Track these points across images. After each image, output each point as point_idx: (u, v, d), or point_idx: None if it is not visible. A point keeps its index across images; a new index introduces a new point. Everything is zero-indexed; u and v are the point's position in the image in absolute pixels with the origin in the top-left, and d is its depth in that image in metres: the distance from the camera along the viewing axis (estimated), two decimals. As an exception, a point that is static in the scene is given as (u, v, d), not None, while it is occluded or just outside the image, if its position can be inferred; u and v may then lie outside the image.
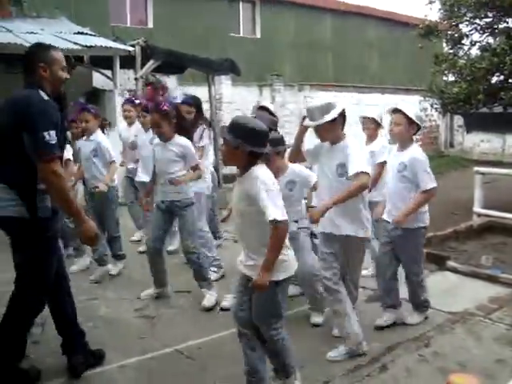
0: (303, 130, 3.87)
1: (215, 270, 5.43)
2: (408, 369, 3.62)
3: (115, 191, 5.56)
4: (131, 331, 4.27)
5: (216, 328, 4.27)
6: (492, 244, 7.04)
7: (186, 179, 4.69)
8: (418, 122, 4.15)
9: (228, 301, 4.60)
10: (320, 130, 3.73)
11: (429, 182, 4.05)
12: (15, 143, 3.02)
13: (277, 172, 3.86)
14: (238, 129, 2.91)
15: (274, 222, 2.81)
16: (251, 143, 2.88)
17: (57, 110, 3.12)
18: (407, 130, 4.13)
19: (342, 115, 3.70)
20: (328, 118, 3.60)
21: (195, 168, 4.82)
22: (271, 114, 5.06)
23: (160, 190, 4.85)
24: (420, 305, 4.42)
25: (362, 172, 3.54)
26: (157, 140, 4.91)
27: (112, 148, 5.49)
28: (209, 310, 4.70)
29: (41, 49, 3.28)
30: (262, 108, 5.24)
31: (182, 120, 5.07)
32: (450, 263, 5.83)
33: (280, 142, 4.18)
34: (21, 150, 3.02)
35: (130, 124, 6.79)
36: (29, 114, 2.97)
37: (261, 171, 2.94)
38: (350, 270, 3.98)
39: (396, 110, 4.17)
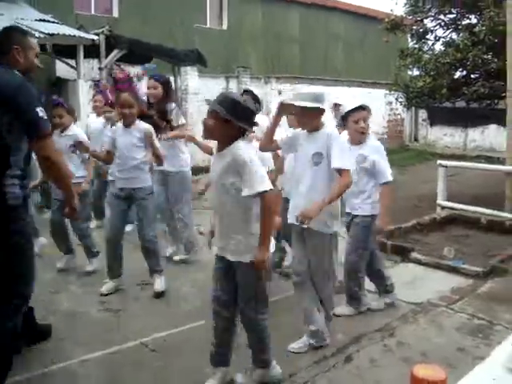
0: (278, 119, 3.82)
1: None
2: (372, 359, 3.65)
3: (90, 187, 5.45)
4: (95, 325, 4.20)
5: (181, 320, 4.24)
6: (454, 236, 7.17)
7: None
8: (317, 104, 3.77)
9: None
10: (304, 115, 3.65)
11: (389, 175, 4.19)
12: None
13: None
14: (229, 103, 2.87)
15: (264, 193, 2.82)
16: (240, 119, 2.86)
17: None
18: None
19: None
20: (321, 105, 3.57)
21: (157, 155, 4.75)
22: (255, 97, 4.95)
23: (119, 177, 4.75)
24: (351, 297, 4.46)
25: (347, 170, 3.57)
26: (118, 125, 4.82)
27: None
28: (159, 295, 4.76)
29: (18, 32, 3.22)
30: (247, 92, 5.18)
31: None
32: (414, 255, 5.91)
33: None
34: None
35: (99, 115, 6.68)
36: (18, 93, 2.84)
37: (241, 144, 2.94)
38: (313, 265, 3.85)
39: (365, 108, 4.21)
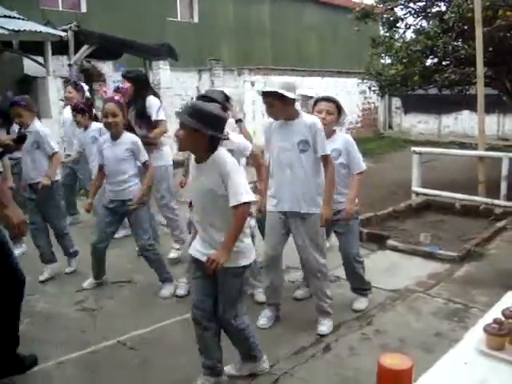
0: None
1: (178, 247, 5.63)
2: (351, 347, 3.67)
3: (59, 185, 5.23)
4: (71, 325, 4.14)
5: (158, 317, 4.20)
6: (430, 222, 7.25)
7: (145, 188, 4.61)
8: (345, 111, 4.21)
9: (183, 288, 4.63)
10: (274, 105, 3.66)
11: (362, 164, 4.24)
12: None
13: None
14: (197, 113, 2.84)
15: (244, 204, 2.83)
16: (211, 127, 2.83)
17: None
18: (337, 118, 4.21)
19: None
20: (286, 93, 3.57)
21: (145, 164, 4.66)
22: (221, 96, 4.88)
23: (110, 189, 4.66)
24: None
25: (330, 155, 3.80)
26: (104, 137, 4.71)
27: (52, 138, 5.15)
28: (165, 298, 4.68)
29: None
30: (204, 96, 5.09)
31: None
32: (390, 242, 5.95)
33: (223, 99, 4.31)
34: None
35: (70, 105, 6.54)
36: None
37: (223, 153, 2.93)
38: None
39: (328, 99, 4.17)
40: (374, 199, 7.97)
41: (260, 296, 4.43)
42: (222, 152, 2.94)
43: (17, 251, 5.55)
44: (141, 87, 5.39)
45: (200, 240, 3.11)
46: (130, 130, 4.83)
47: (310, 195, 3.75)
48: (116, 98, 4.63)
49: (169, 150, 5.65)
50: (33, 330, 3.97)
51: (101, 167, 4.70)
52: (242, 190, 2.84)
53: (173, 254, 5.61)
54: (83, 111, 5.91)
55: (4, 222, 2.93)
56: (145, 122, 5.37)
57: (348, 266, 4.37)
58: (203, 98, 4.99)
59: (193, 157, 3.08)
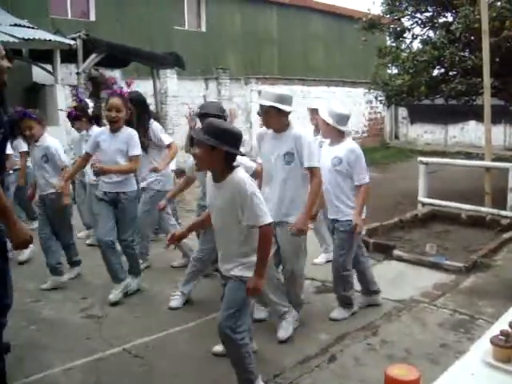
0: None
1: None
2: (356, 358, 3.66)
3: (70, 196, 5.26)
4: (76, 332, 4.14)
5: (163, 325, 4.20)
6: (436, 232, 7.23)
7: (113, 169, 4.58)
8: (329, 121, 4.15)
9: (177, 300, 4.58)
10: (268, 116, 3.77)
11: (366, 176, 4.19)
12: None
13: None
14: (213, 130, 2.87)
15: (265, 226, 2.85)
16: (227, 144, 2.85)
17: None
18: (324, 127, 4.25)
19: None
20: (281, 106, 3.66)
21: (131, 159, 4.64)
22: (219, 109, 4.92)
23: (104, 180, 4.72)
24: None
25: (317, 168, 3.80)
26: (102, 129, 4.81)
27: (62, 151, 5.20)
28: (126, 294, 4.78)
29: None
30: (204, 114, 5.06)
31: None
32: (396, 252, 5.94)
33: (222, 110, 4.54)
34: None
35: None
36: None
37: (242, 174, 2.94)
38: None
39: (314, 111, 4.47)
40: (379, 209, 7.95)
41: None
42: (240, 172, 2.94)
43: (24, 256, 5.65)
44: (141, 110, 5.31)
45: (220, 256, 3.13)
46: (129, 125, 4.87)
47: (288, 205, 3.83)
48: (124, 90, 4.69)
49: (171, 175, 5.69)
50: (38, 337, 3.98)
51: (87, 156, 4.77)
52: (262, 213, 2.85)
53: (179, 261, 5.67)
54: (78, 117, 6.00)
55: (11, 238, 2.87)
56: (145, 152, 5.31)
57: (333, 272, 4.36)
58: (203, 115, 5.03)
59: (210, 175, 3.08)
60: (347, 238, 4.18)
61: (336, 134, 4.20)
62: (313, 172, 3.78)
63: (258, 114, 4.10)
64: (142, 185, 5.39)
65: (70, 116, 6.09)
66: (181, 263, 5.64)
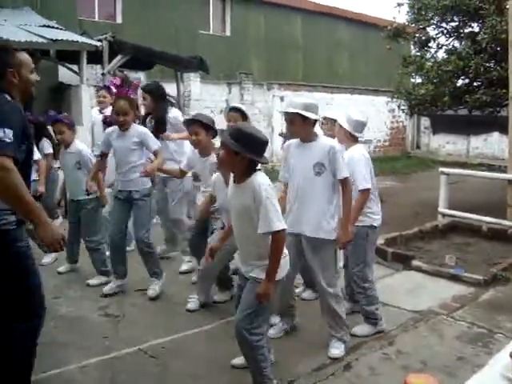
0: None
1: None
2: (372, 367, 3.64)
3: (100, 203, 5.31)
4: (94, 330, 4.18)
5: (180, 327, 4.22)
6: (456, 244, 7.15)
7: (153, 167, 4.63)
8: (344, 126, 4.16)
9: (194, 302, 4.59)
10: (293, 124, 3.72)
11: (362, 182, 4.02)
12: None
13: (204, 151, 4.54)
14: (239, 135, 2.89)
15: (277, 232, 2.84)
16: (252, 151, 2.87)
17: (22, 115, 2.89)
18: (338, 132, 4.25)
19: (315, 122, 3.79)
20: (306, 114, 3.62)
21: (157, 153, 4.76)
22: (243, 114, 5.02)
23: (119, 179, 4.80)
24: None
25: (349, 178, 3.74)
26: (112, 128, 4.87)
27: (92, 156, 5.30)
28: (152, 299, 4.78)
29: (5, 53, 3.03)
30: (235, 109, 5.20)
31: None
32: (415, 262, 5.89)
33: (213, 122, 4.62)
34: None
35: (102, 109, 6.72)
36: None
37: (261, 178, 2.94)
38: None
39: (324, 118, 4.45)
40: (399, 218, 7.91)
41: None
42: (260, 177, 2.96)
43: (47, 259, 5.71)
44: (158, 99, 5.51)
45: (240, 257, 3.16)
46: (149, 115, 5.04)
47: (316, 220, 3.71)
48: (129, 91, 4.76)
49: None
50: (56, 333, 4.02)
51: (103, 155, 4.89)
52: (275, 219, 2.84)
53: (185, 267, 5.62)
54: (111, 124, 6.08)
55: (40, 240, 2.83)
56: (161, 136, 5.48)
57: (353, 284, 4.32)
58: (233, 109, 5.14)
59: (231, 177, 3.12)
60: (360, 244, 4.14)
61: (351, 140, 4.19)
62: (345, 182, 3.72)
63: (281, 135, 4.04)
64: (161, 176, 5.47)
65: (105, 122, 6.18)
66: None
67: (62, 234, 2.86)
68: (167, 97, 5.73)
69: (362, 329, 4.19)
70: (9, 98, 2.87)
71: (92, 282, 5.15)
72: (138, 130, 4.76)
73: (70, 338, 4.03)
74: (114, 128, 4.83)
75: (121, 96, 4.72)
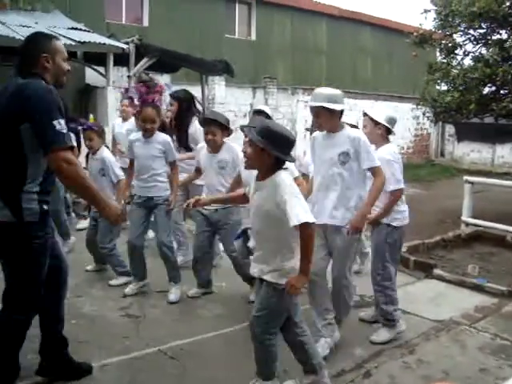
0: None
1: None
2: (392, 376, 3.61)
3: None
4: (115, 330, 4.23)
5: (200, 329, 4.24)
6: (479, 253, 7.06)
7: (175, 189, 4.79)
8: (383, 123, 4.13)
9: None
10: (320, 117, 3.73)
11: (394, 182, 4.00)
12: (6, 137, 2.79)
13: (215, 149, 4.64)
14: (267, 132, 2.89)
15: (305, 224, 2.81)
16: (278, 148, 2.88)
17: (60, 99, 2.90)
18: (372, 130, 4.17)
19: (341, 113, 3.77)
20: (332, 106, 3.63)
21: (173, 164, 4.85)
22: (268, 117, 5.05)
23: (139, 185, 4.85)
24: None
25: (378, 166, 3.68)
26: (136, 135, 4.95)
27: (117, 165, 5.36)
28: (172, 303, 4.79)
29: (43, 38, 3.05)
30: (260, 112, 5.24)
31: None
32: (437, 271, 5.83)
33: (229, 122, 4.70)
34: (6, 146, 2.79)
35: (125, 119, 6.87)
36: (35, 103, 2.73)
37: (284, 175, 2.94)
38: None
39: (364, 114, 4.29)
40: (421, 226, 7.82)
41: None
42: (283, 174, 2.95)
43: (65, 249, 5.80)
44: (185, 108, 5.63)
45: (256, 256, 3.14)
46: (163, 130, 5.07)
47: (344, 208, 3.71)
48: (155, 99, 4.84)
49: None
50: (78, 331, 4.05)
51: (132, 162, 4.93)
52: (302, 211, 2.81)
53: None
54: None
55: (107, 219, 3.06)
56: (183, 147, 5.64)
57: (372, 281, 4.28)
58: (258, 112, 5.17)
59: (255, 173, 3.12)
60: (383, 243, 4.14)
61: (384, 139, 4.17)
62: (375, 171, 3.69)
63: (307, 129, 4.05)
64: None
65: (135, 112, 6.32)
66: None
67: (121, 209, 3.08)
68: (194, 106, 5.84)
69: (380, 334, 4.16)
70: (48, 85, 2.88)
71: (113, 282, 5.21)
72: (162, 138, 4.81)
73: (92, 336, 4.07)
74: (138, 135, 4.91)
75: (148, 104, 4.78)
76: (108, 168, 5.20)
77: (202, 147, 4.84)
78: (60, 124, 2.74)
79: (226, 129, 4.62)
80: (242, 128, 3.12)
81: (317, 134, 3.94)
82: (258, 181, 3.03)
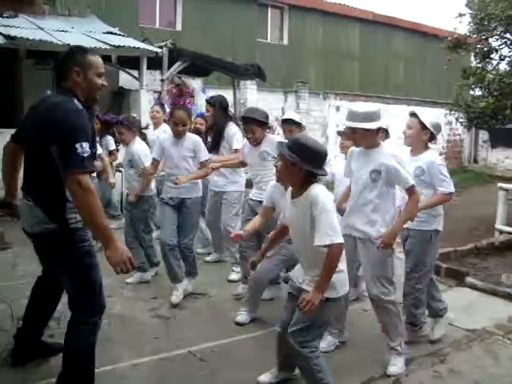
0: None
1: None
2: (422, 385, 3.57)
3: (151, 200, 5.47)
4: (145, 330, 4.28)
5: (230, 332, 4.27)
6: (513, 262, 6.92)
7: (191, 178, 4.77)
8: (431, 129, 4.09)
9: (243, 315, 4.52)
10: (355, 135, 3.72)
11: (446, 185, 3.99)
12: (42, 157, 2.85)
13: (256, 142, 4.78)
14: (297, 146, 2.89)
15: (331, 246, 2.81)
16: (309, 163, 2.86)
17: (89, 120, 2.95)
18: (418, 134, 4.10)
19: (381, 128, 3.76)
20: (369, 126, 3.59)
21: (204, 164, 4.89)
22: (296, 123, 4.96)
23: (170, 186, 4.88)
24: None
25: (412, 185, 3.60)
26: (166, 136, 5.04)
27: (146, 157, 5.37)
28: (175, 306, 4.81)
29: (77, 52, 3.05)
30: (287, 120, 5.18)
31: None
32: (470, 279, 5.74)
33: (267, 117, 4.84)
34: (47, 165, 2.84)
35: (156, 126, 6.98)
36: (61, 126, 2.77)
37: (319, 190, 2.92)
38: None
39: (412, 114, 4.20)
40: (453, 233, 7.69)
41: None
42: (317, 189, 2.93)
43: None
44: (221, 113, 5.72)
45: (298, 266, 3.15)
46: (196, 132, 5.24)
47: (375, 223, 3.69)
48: (187, 101, 4.92)
49: (243, 178, 5.83)
50: (109, 331, 4.11)
51: (155, 162, 5.02)
52: (330, 231, 2.80)
53: (233, 276, 5.63)
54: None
55: (108, 259, 2.87)
56: (216, 151, 5.68)
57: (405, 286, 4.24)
58: (285, 121, 5.13)
59: (289, 190, 3.12)
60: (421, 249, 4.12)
61: (425, 146, 4.13)
62: (410, 190, 3.62)
63: (339, 133, 4.06)
64: (217, 189, 5.67)
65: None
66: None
67: (130, 256, 2.89)
68: (229, 111, 5.96)
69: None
70: (78, 105, 2.90)
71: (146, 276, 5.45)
72: (193, 139, 4.88)
73: (123, 336, 4.13)
74: (168, 136, 4.99)
75: (179, 106, 4.86)
76: (136, 161, 5.28)
77: (246, 143, 5.06)
78: (82, 148, 2.75)
79: (264, 124, 4.76)
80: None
81: (354, 148, 3.92)
82: (293, 198, 3.02)
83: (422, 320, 4.21)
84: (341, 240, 2.84)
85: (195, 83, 12.26)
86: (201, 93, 12.02)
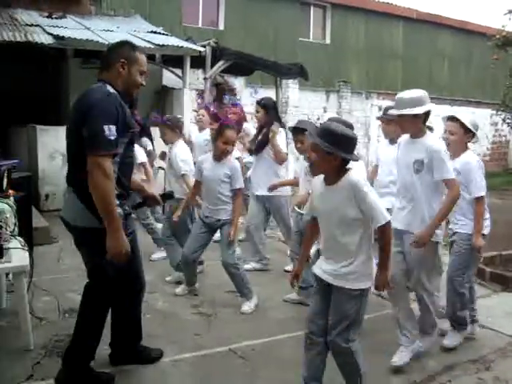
0: None
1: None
2: (466, 391, 3.50)
3: (190, 211, 5.43)
4: (187, 327, 4.33)
5: (271, 331, 4.28)
6: (561, 268, 6.70)
7: (235, 221, 4.73)
8: (473, 130, 4.03)
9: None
10: (402, 121, 3.69)
11: (475, 190, 3.94)
12: (79, 144, 2.87)
13: (303, 151, 4.73)
14: (330, 135, 2.87)
15: (383, 226, 2.84)
16: (343, 150, 2.85)
17: (123, 106, 2.97)
18: (461, 138, 4.04)
19: (427, 113, 3.67)
20: (415, 111, 3.56)
21: (237, 191, 4.75)
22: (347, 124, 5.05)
23: (206, 205, 4.83)
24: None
25: (452, 179, 3.56)
26: (205, 156, 4.94)
27: (185, 160, 5.39)
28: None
29: (127, 45, 3.15)
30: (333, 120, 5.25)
31: None
32: (515, 285, 5.60)
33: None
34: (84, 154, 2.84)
35: (201, 129, 7.09)
36: (92, 107, 2.82)
37: (357, 175, 2.92)
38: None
39: (451, 118, 4.10)
40: (498, 237, 7.47)
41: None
42: (355, 174, 2.92)
43: (159, 255, 6.14)
44: (271, 115, 5.86)
45: (324, 261, 3.10)
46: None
47: (420, 217, 3.64)
48: (233, 118, 4.96)
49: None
50: (151, 326, 4.17)
51: (197, 183, 4.89)
52: (379, 213, 2.84)
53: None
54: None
55: (107, 248, 2.93)
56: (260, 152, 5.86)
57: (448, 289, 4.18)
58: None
59: (318, 178, 3.09)
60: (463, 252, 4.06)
61: (464, 146, 4.07)
62: (448, 184, 3.57)
63: (378, 118, 4.01)
64: (268, 194, 5.68)
65: (214, 117, 6.57)
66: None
67: (128, 250, 2.97)
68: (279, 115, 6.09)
69: (452, 339, 4.12)
70: (111, 90, 2.95)
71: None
72: (232, 165, 4.75)
73: (165, 331, 4.20)
74: (207, 156, 4.89)
75: (230, 125, 4.79)
76: (174, 161, 5.35)
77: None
78: (110, 130, 2.79)
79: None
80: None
81: (403, 137, 3.87)
82: (329, 185, 2.98)
83: (466, 319, 4.18)
84: (389, 218, 2.87)
85: (238, 82, 12.32)
86: (243, 91, 12.07)
